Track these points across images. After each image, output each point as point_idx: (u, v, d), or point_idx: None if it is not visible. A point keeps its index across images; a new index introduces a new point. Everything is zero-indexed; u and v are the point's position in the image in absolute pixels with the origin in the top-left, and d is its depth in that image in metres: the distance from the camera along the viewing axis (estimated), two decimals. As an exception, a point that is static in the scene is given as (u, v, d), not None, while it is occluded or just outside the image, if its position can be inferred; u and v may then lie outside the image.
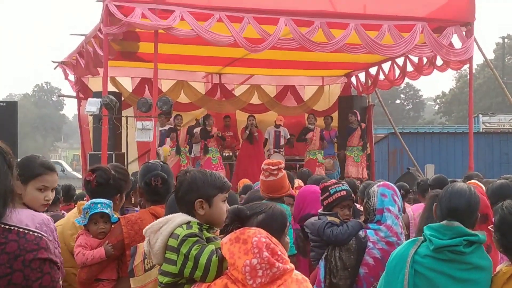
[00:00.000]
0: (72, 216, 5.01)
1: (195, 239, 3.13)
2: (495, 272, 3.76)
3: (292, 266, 2.91)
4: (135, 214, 4.89)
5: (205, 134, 17.01)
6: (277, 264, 2.80)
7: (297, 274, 2.94)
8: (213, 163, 16.62)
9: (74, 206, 5.98)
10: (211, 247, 3.10)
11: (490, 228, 4.02)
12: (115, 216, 4.77)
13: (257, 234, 2.85)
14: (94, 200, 4.74)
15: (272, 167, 6.15)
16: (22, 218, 3.95)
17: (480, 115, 38.09)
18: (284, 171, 6.30)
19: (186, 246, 3.10)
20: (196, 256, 3.05)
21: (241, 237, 2.86)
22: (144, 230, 3.33)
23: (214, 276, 3.00)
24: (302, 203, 6.07)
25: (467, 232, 3.69)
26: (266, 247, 2.80)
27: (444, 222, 3.75)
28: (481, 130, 33.91)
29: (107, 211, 4.69)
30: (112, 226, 4.74)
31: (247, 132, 17.62)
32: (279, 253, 2.84)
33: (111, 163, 5.37)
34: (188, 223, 3.23)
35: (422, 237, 3.83)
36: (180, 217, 3.27)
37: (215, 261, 3.01)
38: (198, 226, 3.23)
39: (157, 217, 4.46)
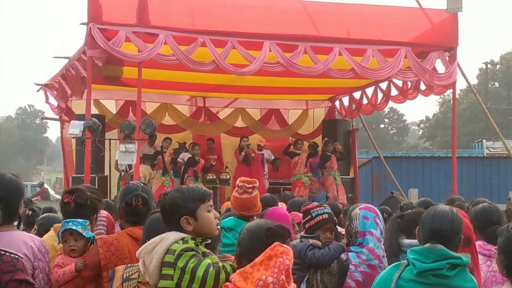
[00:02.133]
0: (49, 239, 4.94)
1: (192, 253, 3.16)
2: None
3: (295, 286, 3.03)
4: (112, 235, 4.86)
5: (193, 163, 17.02)
6: (287, 286, 2.91)
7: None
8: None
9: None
10: (208, 260, 3.15)
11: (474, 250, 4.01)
12: (90, 233, 4.74)
13: (284, 255, 2.92)
14: (66, 219, 4.71)
15: (248, 185, 6.12)
16: (14, 240, 3.97)
17: (484, 140, 37.77)
18: (257, 191, 6.28)
19: (183, 260, 3.13)
20: (193, 269, 3.08)
21: (269, 252, 2.95)
22: (137, 253, 3.35)
23: None
24: None
25: (450, 255, 3.65)
26: (286, 271, 2.89)
27: (427, 245, 3.71)
28: (485, 155, 33.85)
29: (75, 228, 4.65)
30: (89, 246, 4.70)
31: (243, 153, 17.52)
32: (291, 275, 2.97)
33: (82, 185, 5.35)
34: (182, 239, 3.26)
35: (405, 261, 3.80)
36: (174, 235, 3.29)
37: (212, 273, 3.07)
38: (193, 241, 3.26)
39: (134, 238, 4.47)
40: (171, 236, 3.28)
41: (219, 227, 3.48)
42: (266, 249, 3.00)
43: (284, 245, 3.00)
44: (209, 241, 3.40)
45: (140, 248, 3.33)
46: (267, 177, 18.25)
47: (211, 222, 3.38)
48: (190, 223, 3.33)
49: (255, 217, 6.30)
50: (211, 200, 3.49)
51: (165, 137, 17.33)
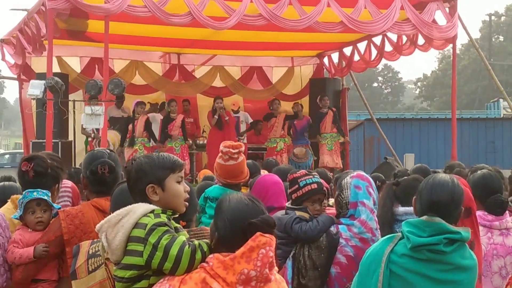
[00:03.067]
0: (8, 212, 4.90)
1: (165, 228, 3.12)
2: None
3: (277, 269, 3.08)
4: (75, 207, 4.84)
5: (168, 121, 17.01)
6: (271, 277, 2.96)
7: (275, 273, 3.05)
8: (176, 152, 16.45)
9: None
10: (183, 238, 3.11)
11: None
12: (57, 205, 4.74)
13: (266, 246, 2.94)
14: (28, 189, 4.68)
15: (233, 150, 6.11)
16: None
17: (501, 100, 37.31)
18: (243, 155, 6.26)
19: (155, 236, 3.08)
20: (166, 246, 3.04)
21: (250, 243, 2.95)
22: (98, 226, 3.29)
23: (186, 269, 3.03)
24: (264, 195, 5.97)
25: (449, 229, 3.64)
26: (270, 263, 2.93)
27: (424, 217, 3.70)
28: (501, 116, 33.76)
29: (44, 198, 4.63)
30: (52, 219, 4.68)
31: (216, 117, 17.25)
32: (274, 264, 3.00)
33: (43, 151, 5.31)
34: (152, 211, 3.22)
35: (399, 234, 3.79)
36: (142, 207, 3.25)
37: (188, 252, 3.03)
38: (166, 216, 3.23)
39: (100, 210, 4.45)
40: (139, 209, 3.24)
41: (186, 203, 3.44)
42: (246, 239, 2.99)
43: (266, 235, 2.99)
44: (177, 215, 3.38)
45: (102, 221, 3.27)
46: (245, 140, 18.10)
47: (179, 195, 3.36)
48: (156, 193, 3.31)
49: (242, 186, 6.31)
50: (183, 172, 3.47)
51: (138, 100, 17.11)
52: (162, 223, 3.15)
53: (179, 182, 3.40)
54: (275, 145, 17.86)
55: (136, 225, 3.16)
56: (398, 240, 3.77)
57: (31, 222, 4.66)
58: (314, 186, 5.22)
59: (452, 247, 3.64)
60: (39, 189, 4.67)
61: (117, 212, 3.28)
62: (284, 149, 17.88)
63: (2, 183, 5.69)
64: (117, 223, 3.21)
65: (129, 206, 3.28)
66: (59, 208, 4.71)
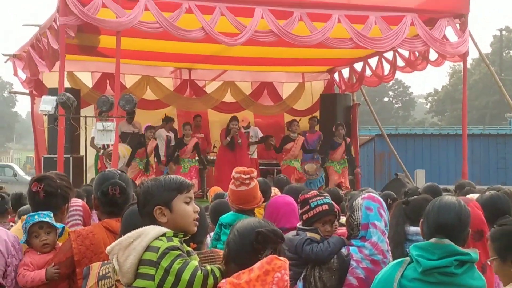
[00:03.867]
0: (19, 233, 4.90)
1: (177, 252, 3.14)
2: None
3: None
4: (86, 228, 4.84)
5: (180, 145, 17.05)
6: None
7: None
8: (182, 172, 16.45)
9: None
10: (195, 262, 3.13)
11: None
12: (60, 224, 4.72)
13: (281, 269, 2.94)
14: (30, 213, 4.68)
15: (244, 176, 6.08)
16: None
17: None
18: (256, 181, 6.23)
19: (168, 260, 3.10)
20: (178, 271, 3.05)
21: (265, 267, 2.94)
22: (108, 248, 3.31)
23: None
24: (276, 216, 5.96)
25: (458, 251, 3.64)
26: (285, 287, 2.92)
27: (432, 240, 3.70)
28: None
29: (46, 220, 4.62)
30: (60, 241, 4.68)
31: (228, 138, 17.13)
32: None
33: (51, 171, 5.31)
34: (164, 234, 3.23)
35: (408, 258, 3.78)
36: (154, 230, 3.26)
37: (200, 277, 3.05)
38: (178, 239, 3.24)
39: (111, 231, 4.44)
40: (151, 231, 3.25)
41: (197, 222, 3.44)
42: (255, 253, 2.99)
43: (281, 258, 2.99)
44: (188, 237, 3.38)
45: (113, 243, 3.30)
46: (255, 156, 18.07)
47: (188, 215, 3.37)
48: (164, 214, 3.34)
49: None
50: (191, 192, 3.47)
51: (148, 125, 17.00)
52: (174, 247, 3.16)
53: (187, 203, 3.41)
54: (293, 165, 17.64)
55: (148, 248, 3.18)
56: (407, 265, 3.76)
57: (37, 245, 4.65)
58: (325, 207, 5.20)
59: (463, 269, 3.64)
60: (39, 212, 4.66)
61: (129, 234, 3.30)
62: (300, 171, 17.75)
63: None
64: (129, 246, 3.22)
65: (141, 229, 3.30)
66: (63, 228, 4.70)
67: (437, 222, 3.75)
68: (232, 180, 6.15)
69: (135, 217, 3.64)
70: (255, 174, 6.25)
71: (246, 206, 6.13)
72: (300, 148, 17.85)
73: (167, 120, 18.05)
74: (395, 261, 3.90)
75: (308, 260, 5.02)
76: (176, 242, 3.21)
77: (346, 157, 17.78)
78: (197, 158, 17.19)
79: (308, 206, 5.24)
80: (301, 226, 5.30)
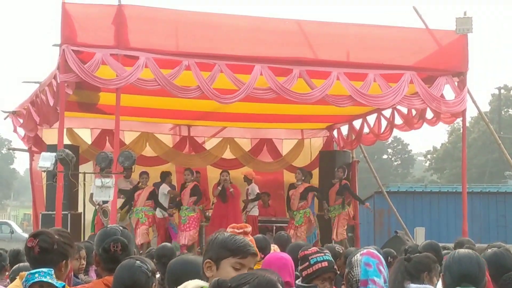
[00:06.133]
0: (15, 291, 4.86)
1: None
2: None
3: None
4: (87, 285, 4.82)
5: (181, 189, 17.25)
6: None
7: None
8: (182, 223, 16.52)
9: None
10: None
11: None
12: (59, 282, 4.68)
13: None
14: (30, 271, 4.63)
15: (237, 230, 6.07)
16: None
17: None
18: (251, 236, 6.21)
19: None
20: None
21: None
22: None
23: None
24: None
25: None
26: None
27: None
28: None
29: (46, 279, 4.58)
30: None
31: (219, 188, 17.22)
32: None
33: (52, 228, 5.28)
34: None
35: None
36: (194, 283, 3.35)
37: None
38: None
39: (111, 289, 4.40)
40: (190, 284, 3.35)
41: None
42: None
43: None
44: None
45: None
46: (256, 213, 18.03)
47: None
48: (211, 269, 3.37)
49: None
50: (248, 259, 3.45)
51: (142, 170, 17.02)
52: None
53: (236, 269, 3.39)
54: (294, 218, 17.54)
55: None
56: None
57: None
58: (325, 264, 5.19)
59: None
60: (40, 270, 4.60)
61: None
62: (304, 221, 17.46)
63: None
64: None
65: (185, 283, 3.39)
66: (63, 286, 4.65)
67: (461, 271, 4.16)
68: None
69: (125, 273, 3.65)
70: (249, 229, 6.22)
71: None
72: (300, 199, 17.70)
73: (163, 177, 18.01)
74: None
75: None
76: None
77: (340, 198, 17.76)
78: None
79: (307, 263, 5.24)
80: (300, 283, 5.28)
